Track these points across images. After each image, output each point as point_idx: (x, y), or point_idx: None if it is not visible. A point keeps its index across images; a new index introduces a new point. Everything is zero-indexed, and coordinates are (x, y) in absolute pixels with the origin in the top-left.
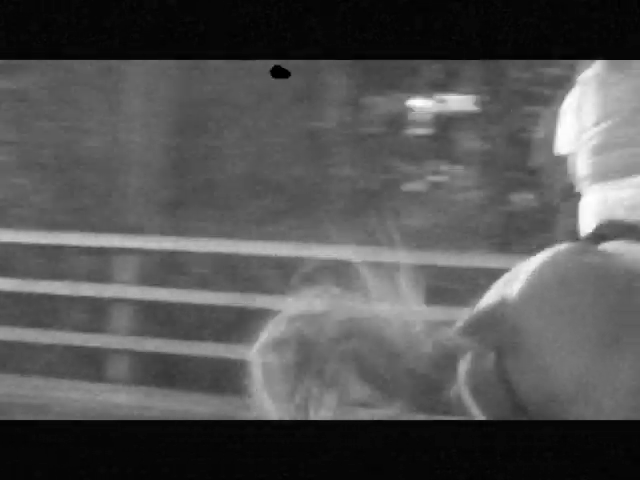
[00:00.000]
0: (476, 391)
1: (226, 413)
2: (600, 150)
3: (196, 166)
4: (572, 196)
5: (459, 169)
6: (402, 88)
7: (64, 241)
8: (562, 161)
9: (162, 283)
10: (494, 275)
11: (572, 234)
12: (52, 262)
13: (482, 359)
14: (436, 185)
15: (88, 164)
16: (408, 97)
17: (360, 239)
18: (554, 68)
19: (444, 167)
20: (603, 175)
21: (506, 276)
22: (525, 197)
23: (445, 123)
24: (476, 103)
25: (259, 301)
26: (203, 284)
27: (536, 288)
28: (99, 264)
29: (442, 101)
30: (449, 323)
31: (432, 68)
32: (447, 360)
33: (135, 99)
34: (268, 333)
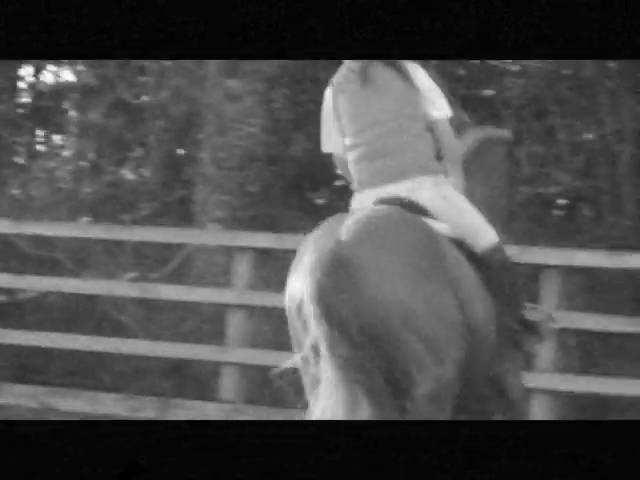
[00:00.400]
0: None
1: None
2: (363, 159)
3: None
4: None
5: (65, 139)
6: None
7: None
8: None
9: None
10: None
11: None
12: None
13: None
14: (41, 155)
15: None
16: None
17: None
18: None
19: (51, 137)
20: (370, 182)
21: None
22: (128, 169)
23: (52, 93)
24: (81, 74)
25: None
26: None
27: (363, 237)
28: None
29: (49, 71)
30: None
31: None
32: None
33: None
34: None
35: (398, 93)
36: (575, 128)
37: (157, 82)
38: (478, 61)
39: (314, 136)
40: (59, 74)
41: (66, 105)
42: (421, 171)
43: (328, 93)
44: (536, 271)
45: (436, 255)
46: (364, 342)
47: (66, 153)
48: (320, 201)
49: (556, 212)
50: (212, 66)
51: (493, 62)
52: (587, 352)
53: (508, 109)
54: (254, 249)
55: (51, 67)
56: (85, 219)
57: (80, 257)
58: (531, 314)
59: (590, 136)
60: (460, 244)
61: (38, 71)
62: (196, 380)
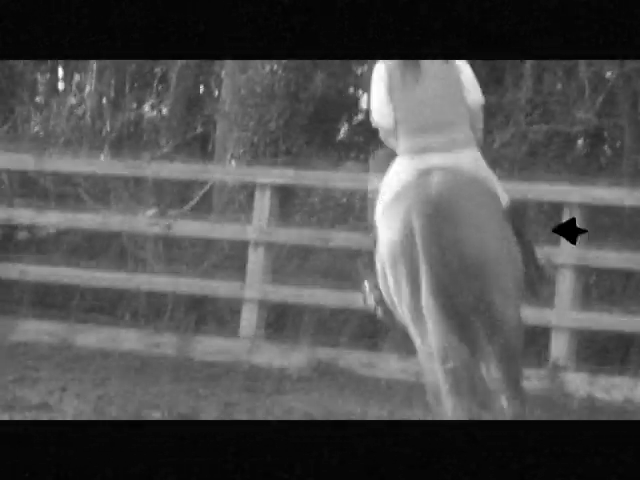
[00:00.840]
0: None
1: None
2: (413, 131)
3: None
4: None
5: (85, 77)
6: None
7: None
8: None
9: None
10: None
11: None
12: None
13: None
14: (62, 92)
15: None
16: None
17: None
18: None
19: (72, 75)
20: (419, 150)
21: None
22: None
23: None
24: None
25: None
26: None
27: (455, 191)
28: None
29: None
30: None
31: None
32: None
33: None
34: None
35: (445, 76)
36: (596, 65)
37: None
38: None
39: (334, 73)
40: None
41: None
42: (464, 146)
43: (381, 68)
44: (557, 210)
45: (501, 209)
46: (461, 274)
47: (87, 90)
48: (340, 137)
49: (577, 150)
50: None
51: None
52: (607, 290)
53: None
54: (274, 185)
55: None
56: (106, 156)
57: (101, 194)
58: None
59: (610, 74)
60: None
61: None
62: (216, 317)
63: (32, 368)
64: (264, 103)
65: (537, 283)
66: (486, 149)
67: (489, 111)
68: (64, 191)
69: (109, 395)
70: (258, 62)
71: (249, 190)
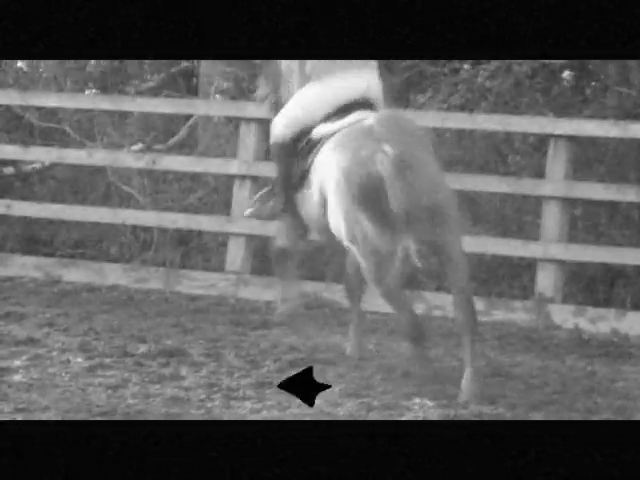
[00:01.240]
0: None
1: None
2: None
3: None
4: None
5: None
6: None
7: None
8: None
9: None
10: None
11: None
12: None
13: None
14: None
15: None
16: None
17: None
18: None
19: None
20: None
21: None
22: None
23: None
24: None
25: None
26: None
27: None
28: None
29: None
30: None
31: None
32: None
33: None
34: None
35: None
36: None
37: None
38: None
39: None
40: None
41: None
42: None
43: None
44: (543, 142)
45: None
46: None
47: None
48: None
49: (562, 83)
50: None
51: None
52: (593, 222)
53: None
54: (260, 120)
55: None
56: (91, 90)
57: (86, 128)
58: None
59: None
60: None
61: None
62: (202, 251)
63: (18, 304)
64: None
65: None
66: (471, 82)
67: None
68: (49, 126)
69: (95, 330)
70: None
71: (234, 124)
